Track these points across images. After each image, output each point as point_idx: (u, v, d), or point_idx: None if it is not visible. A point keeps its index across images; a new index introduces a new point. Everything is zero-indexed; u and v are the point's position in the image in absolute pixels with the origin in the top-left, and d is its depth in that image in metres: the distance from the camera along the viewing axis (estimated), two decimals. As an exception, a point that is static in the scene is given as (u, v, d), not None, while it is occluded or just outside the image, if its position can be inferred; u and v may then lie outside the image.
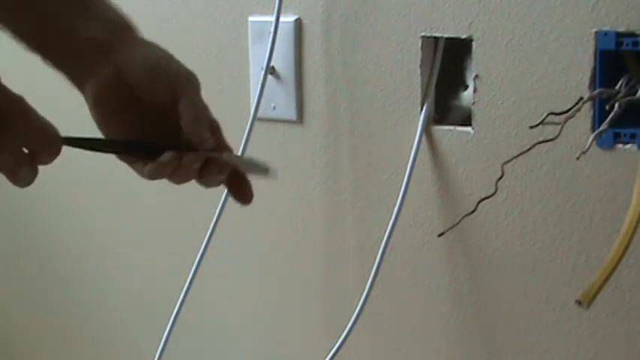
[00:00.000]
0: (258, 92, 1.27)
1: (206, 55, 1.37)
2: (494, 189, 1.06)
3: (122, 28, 0.80)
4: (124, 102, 0.78)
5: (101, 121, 0.79)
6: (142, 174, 0.78)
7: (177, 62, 0.79)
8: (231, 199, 1.30)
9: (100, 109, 0.79)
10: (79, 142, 0.74)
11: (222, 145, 0.81)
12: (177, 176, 0.77)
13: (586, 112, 1.02)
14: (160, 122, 0.79)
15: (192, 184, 1.47)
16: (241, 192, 0.82)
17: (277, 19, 1.24)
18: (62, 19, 0.78)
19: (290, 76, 1.27)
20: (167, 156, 0.76)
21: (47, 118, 0.69)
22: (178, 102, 0.78)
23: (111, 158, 0.80)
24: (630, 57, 1.00)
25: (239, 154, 1.28)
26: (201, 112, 0.79)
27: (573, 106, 0.99)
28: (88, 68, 0.78)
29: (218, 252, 1.35)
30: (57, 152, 0.69)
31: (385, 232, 1.18)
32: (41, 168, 0.75)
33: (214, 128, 0.81)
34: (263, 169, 0.81)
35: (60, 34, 0.78)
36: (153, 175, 0.77)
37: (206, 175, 0.79)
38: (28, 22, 0.79)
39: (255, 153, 1.31)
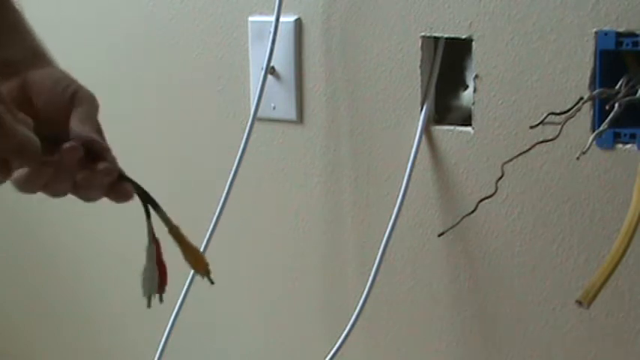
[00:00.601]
0: (258, 92, 1.27)
1: (206, 55, 1.37)
2: (494, 189, 1.06)
3: (39, 54, 0.83)
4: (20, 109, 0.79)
5: None
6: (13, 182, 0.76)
7: (79, 85, 0.80)
8: (231, 199, 1.31)
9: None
10: None
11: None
12: (62, 172, 0.75)
13: (586, 112, 1.02)
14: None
15: (192, 185, 1.47)
16: (119, 190, 0.80)
17: (277, 19, 1.24)
18: None
19: (290, 76, 1.27)
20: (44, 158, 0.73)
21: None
22: (72, 112, 0.78)
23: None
24: (630, 57, 1.00)
25: (239, 153, 1.28)
26: (93, 117, 0.79)
27: (573, 106, 0.99)
28: None
29: (218, 252, 1.35)
30: (35, 162, 0.70)
31: (385, 232, 1.18)
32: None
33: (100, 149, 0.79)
34: (204, 266, 0.85)
35: None
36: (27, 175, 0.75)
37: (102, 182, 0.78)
38: None
39: (255, 153, 1.31)
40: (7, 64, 0.82)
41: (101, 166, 0.76)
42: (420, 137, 1.16)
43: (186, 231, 1.45)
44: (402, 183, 1.17)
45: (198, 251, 0.79)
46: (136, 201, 1.62)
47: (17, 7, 0.85)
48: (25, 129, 0.69)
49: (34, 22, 0.85)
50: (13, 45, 0.83)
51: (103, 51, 1.50)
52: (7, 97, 0.76)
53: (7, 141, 0.68)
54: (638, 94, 0.98)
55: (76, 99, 0.79)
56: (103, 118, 0.84)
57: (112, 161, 0.78)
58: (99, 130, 0.79)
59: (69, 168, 0.74)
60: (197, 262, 0.79)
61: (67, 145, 0.73)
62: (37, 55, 0.83)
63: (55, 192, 0.76)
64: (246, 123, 1.28)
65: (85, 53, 1.50)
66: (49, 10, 1.52)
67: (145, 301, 1.60)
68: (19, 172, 0.73)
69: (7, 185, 0.70)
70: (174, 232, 0.77)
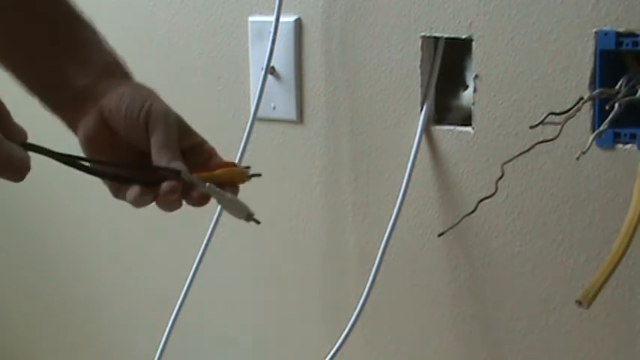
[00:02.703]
0: (258, 92, 1.27)
1: (206, 55, 1.37)
2: (494, 189, 1.05)
3: (112, 71, 0.83)
4: (110, 143, 0.81)
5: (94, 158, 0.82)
6: (124, 199, 0.80)
7: (153, 101, 0.80)
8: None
9: (90, 149, 0.82)
10: (64, 158, 0.75)
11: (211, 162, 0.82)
12: (163, 204, 0.79)
13: (586, 112, 1.02)
14: (147, 159, 0.80)
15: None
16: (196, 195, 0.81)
17: (277, 19, 1.24)
18: (56, 71, 0.82)
19: (290, 76, 1.27)
20: (136, 189, 0.78)
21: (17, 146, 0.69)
22: (150, 138, 0.79)
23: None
24: (630, 57, 1.00)
25: (239, 153, 1.28)
26: (169, 147, 0.79)
27: (573, 106, 0.99)
28: (79, 114, 0.82)
29: (218, 252, 1.35)
30: (20, 179, 0.70)
31: (385, 232, 1.18)
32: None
33: (203, 150, 0.83)
34: (244, 213, 0.81)
35: (54, 86, 0.82)
36: (135, 202, 0.80)
37: (190, 202, 0.80)
38: (25, 73, 0.83)
39: (255, 153, 1.31)
40: (85, 91, 0.81)
41: (195, 194, 0.79)
42: (420, 137, 1.16)
43: (186, 231, 1.45)
44: (402, 183, 1.17)
45: (237, 201, 0.80)
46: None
47: (88, 21, 0.85)
48: (12, 146, 0.68)
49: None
50: (87, 63, 0.82)
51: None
52: (88, 135, 0.80)
53: None
54: (638, 94, 0.98)
55: (150, 124, 0.79)
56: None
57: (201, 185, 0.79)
58: (176, 151, 0.79)
59: (168, 201, 0.78)
60: (239, 211, 0.80)
61: (166, 186, 0.77)
62: (112, 72, 0.83)
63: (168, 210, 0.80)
64: (246, 123, 1.28)
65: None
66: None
67: (145, 301, 1.61)
68: (130, 196, 0.79)
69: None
70: (212, 188, 0.78)
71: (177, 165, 0.78)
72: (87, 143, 0.81)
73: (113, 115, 0.80)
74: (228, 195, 0.80)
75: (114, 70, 0.83)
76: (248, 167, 0.83)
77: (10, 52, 0.83)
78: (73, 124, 0.83)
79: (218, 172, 0.80)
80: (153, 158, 0.79)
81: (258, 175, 0.82)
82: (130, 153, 0.81)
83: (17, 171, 0.68)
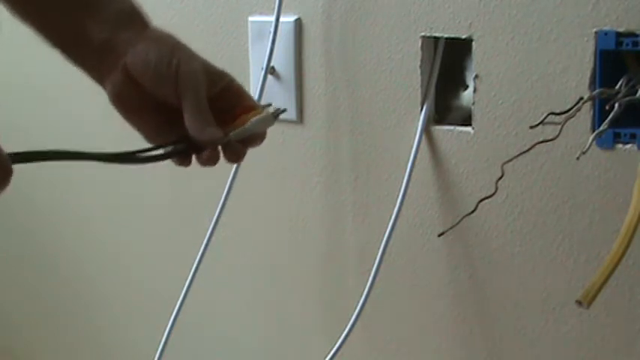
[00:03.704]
0: (258, 92, 1.27)
1: (206, 55, 1.36)
2: (494, 189, 1.06)
3: (129, 20, 0.82)
4: (139, 98, 0.82)
5: (123, 114, 0.83)
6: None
7: (179, 59, 0.81)
8: (231, 199, 1.31)
9: (119, 105, 0.82)
10: (66, 155, 0.76)
11: (239, 103, 0.85)
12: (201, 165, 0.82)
13: (586, 112, 1.02)
14: (176, 113, 0.81)
15: (192, 185, 1.47)
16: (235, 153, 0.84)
17: (277, 19, 1.24)
18: (74, 23, 0.81)
19: (290, 76, 1.27)
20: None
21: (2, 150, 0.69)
22: (181, 101, 0.80)
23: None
24: (630, 57, 1.00)
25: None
26: (201, 113, 0.81)
27: (573, 106, 0.99)
28: (104, 69, 0.82)
29: (218, 252, 1.35)
30: (5, 185, 0.70)
31: (385, 232, 1.18)
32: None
33: (231, 88, 0.85)
34: (271, 121, 0.85)
35: (73, 38, 0.82)
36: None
37: (227, 158, 0.83)
38: (46, 27, 0.83)
39: (255, 153, 1.31)
40: (105, 45, 0.80)
41: (232, 158, 0.83)
42: (420, 137, 1.16)
43: (186, 231, 1.45)
44: (402, 183, 1.17)
45: (262, 119, 0.83)
46: (135, 201, 1.63)
47: None
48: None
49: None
50: (102, 13, 0.81)
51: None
52: (116, 91, 0.81)
53: None
54: (638, 94, 0.98)
55: (179, 84, 0.80)
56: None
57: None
58: (208, 115, 0.81)
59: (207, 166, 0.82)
60: (267, 124, 0.85)
61: (205, 155, 0.81)
62: (130, 22, 0.82)
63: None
64: (246, 123, 1.28)
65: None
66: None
67: (145, 301, 1.61)
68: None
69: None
70: (241, 132, 0.83)
71: (212, 132, 0.80)
72: (115, 99, 0.82)
73: (140, 73, 0.80)
74: (253, 120, 0.84)
75: (131, 18, 0.82)
76: (269, 104, 0.86)
77: (25, 5, 0.82)
78: (100, 80, 0.83)
79: (248, 124, 0.83)
80: (186, 123, 0.80)
81: (284, 110, 0.86)
82: (159, 108, 0.82)
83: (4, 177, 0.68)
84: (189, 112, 0.80)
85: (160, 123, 0.83)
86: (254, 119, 0.84)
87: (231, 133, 0.82)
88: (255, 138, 0.84)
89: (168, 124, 0.83)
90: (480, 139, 1.12)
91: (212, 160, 0.81)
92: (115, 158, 0.80)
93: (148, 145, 0.83)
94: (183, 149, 0.82)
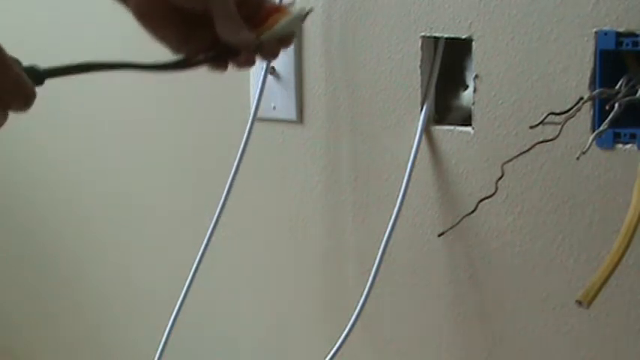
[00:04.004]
0: (258, 92, 1.27)
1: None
2: (494, 189, 1.06)
3: None
4: (164, 11, 0.82)
5: (150, 29, 0.84)
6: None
7: None
8: (231, 199, 1.31)
9: (144, 20, 0.83)
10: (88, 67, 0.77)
11: (262, 5, 0.84)
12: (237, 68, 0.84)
13: (586, 112, 1.02)
14: (204, 24, 0.82)
15: (192, 185, 1.47)
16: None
17: (277, 19, 1.24)
18: None
19: (290, 76, 1.27)
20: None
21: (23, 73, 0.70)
22: (211, 7, 0.81)
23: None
24: (630, 57, 1.00)
25: (239, 153, 1.28)
26: (232, 18, 0.81)
27: (573, 106, 0.99)
28: None
29: (218, 252, 1.35)
30: (28, 105, 0.71)
31: (385, 232, 1.18)
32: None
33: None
34: (300, 21, 0.84)
35: None
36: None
37: (263, 57, 0.84)
38: None
39: (255, 153, 1.31)
40: None
41: (268, 57, 0.83)
42: (420, 137, 1.16)
43: (186, 231, 1.45)
44: (402, 183, 1.17)
45: (289, 21, 0.83)
46: (135, 201, 1.62)
47: None
48: (20, 70, 0.69)
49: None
50: None
51: (103, 50, 1.50)
52: (139, 3, 0.81)
53: (4, 79, 0.68)
54: (638, 94, 0.98)
55: None
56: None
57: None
58: (239, 20, 0.81)
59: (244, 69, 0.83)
60: (296, 25, 0.84)
61: (242, 58, 0.81)
62: None
63: None
64: (246, 123, 1.28)
65: (84, 53, 1.50)
66: (47, 11, 1.52)
67: (145, 301, 1.61)
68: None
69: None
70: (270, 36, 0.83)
71: (246, 36, 0.80)
72: (139, 13, 0.82)
73: None
74: (282, 22, 0.83)
75: None
76: (292, 2, 0.85)
77: None
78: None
79: (278, 27, 0.82)
80: (218, 29, 0.80)
81: (311, 10, 0.84)
82: (183, 18, 0.82)
83: (28, 93, 0.69)
84: (221, 18, 0.80)
85: (186, 33, 0.84)
86: (283, 21, 0.83)
87: (262, 36, 0.82)
88: (287, 38, 0.84)
89: (194, 33, 0.83)
90: (479, 139, 1.12)
91: (249, 63, 0.82)
92: (155, 67, 0.82)
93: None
94: (222, 53, 0.82)
